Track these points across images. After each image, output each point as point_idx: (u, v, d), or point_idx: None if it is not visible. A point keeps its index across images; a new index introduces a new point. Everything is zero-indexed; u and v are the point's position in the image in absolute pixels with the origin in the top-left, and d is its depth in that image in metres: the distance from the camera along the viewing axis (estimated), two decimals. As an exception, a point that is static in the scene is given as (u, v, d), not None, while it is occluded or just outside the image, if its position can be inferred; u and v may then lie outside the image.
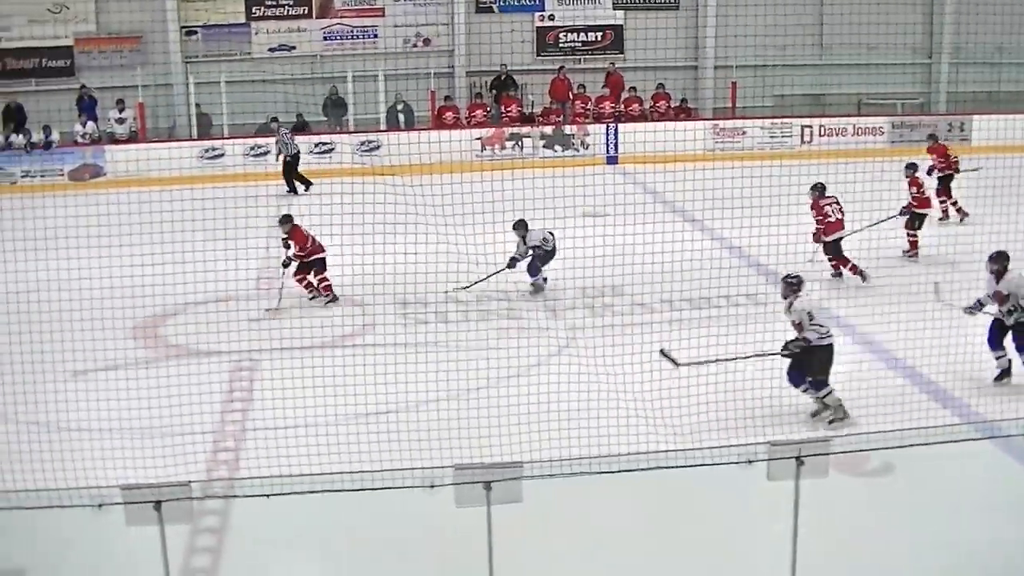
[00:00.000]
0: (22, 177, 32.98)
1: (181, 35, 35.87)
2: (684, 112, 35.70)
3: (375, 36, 36.64)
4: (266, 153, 33.02)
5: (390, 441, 12.72)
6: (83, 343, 15.66)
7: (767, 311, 18.37)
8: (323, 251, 19.78)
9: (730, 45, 33.14)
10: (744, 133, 34.17)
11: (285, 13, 36.41)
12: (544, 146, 34.05)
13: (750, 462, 9.15)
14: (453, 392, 14.67)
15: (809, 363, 14.47)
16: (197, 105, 34.88)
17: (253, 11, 36.29)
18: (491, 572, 9.13)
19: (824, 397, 14.52)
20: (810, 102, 36.10)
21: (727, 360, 14.59)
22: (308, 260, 19.92)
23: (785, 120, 34.71)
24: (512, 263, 20.07)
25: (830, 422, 14.40)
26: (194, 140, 34.05)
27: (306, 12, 36.47)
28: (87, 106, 34.57)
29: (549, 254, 20.36)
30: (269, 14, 36.37)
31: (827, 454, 9.07)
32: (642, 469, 9.77)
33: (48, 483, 11.24)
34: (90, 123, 34.11)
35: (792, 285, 14.82)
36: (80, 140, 33.92)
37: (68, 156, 33.38)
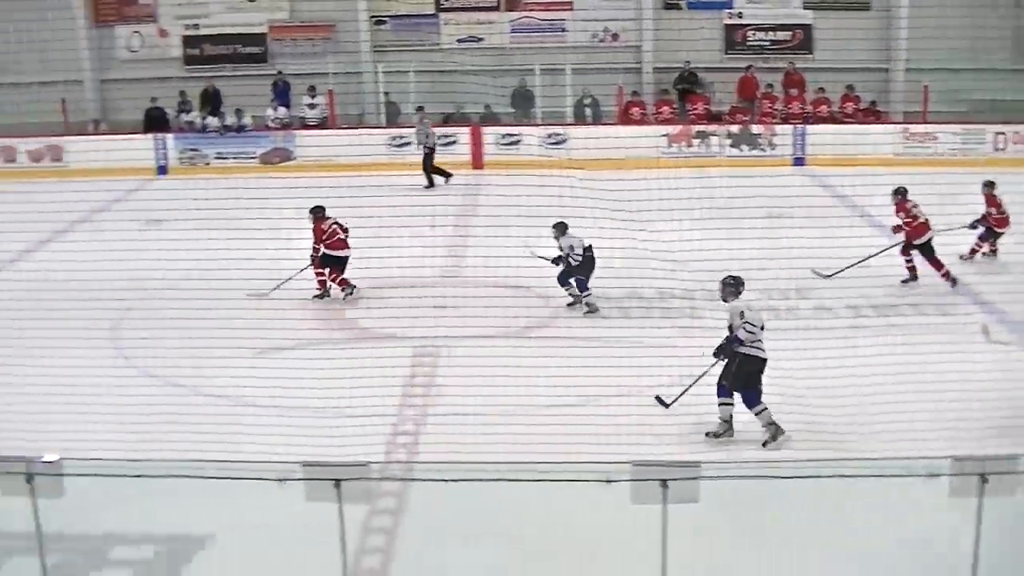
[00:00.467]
0: (215, 159, 33.71)
1: (371, 24, 36.28)
2: (873, 115, 35.05)
3: (563, 30, 36.64)
4: (454, 142, 33.28)
5: (568, 434, 12.75)
6: (271, 322, 16.01)
7: (953, 321, 18.10)
8: (346, 250, 19.34)
9: (922, 48, 32.50)
10: (935, 138, 33.47)
11: (474, 5, 36.63)
12: (731, 145, 33.71)
13: (933, 476, 9.03)
14: (633, 388, 14.62)
15: (736, 372, 14.03)
16: (386, 94, 35.24)
17: (442, 2, 36.54)
18: (664, 571, 9.11)
19: (757, 414, 13.88)
20: (1005, 108, 35.21)
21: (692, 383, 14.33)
22: (330, 256, 19.39)
23: (977, 126, 33.90)
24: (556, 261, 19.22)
25: (764, 444, 13.72)
26: (382, 128, 34.41)
27: (495, 5, 36.63)
28: (281, 91, 35.21)
29: (584, 265, 18.98)
30: (458, 5, 36.59)
31: (1016, 473, 8.89)
32: (813, 477, 9.67)
33: (234, 456, 11.49)
34: (282, 108, 34.70)
35: (729, 286, 14.65)
36: (271, 124, 34.53)
37: (260, 140, 34.01)
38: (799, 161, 32.26)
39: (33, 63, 33.69)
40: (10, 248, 19.63)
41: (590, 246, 18.76)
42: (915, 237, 19.92)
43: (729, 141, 33.47)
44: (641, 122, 34.06)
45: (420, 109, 32.18)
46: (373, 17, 36.23)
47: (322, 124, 34.64)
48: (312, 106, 34.71)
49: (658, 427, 13.20)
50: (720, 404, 14.04)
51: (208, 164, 33.23)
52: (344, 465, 8.98)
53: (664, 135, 33.19)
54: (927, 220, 19.84)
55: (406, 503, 11.87)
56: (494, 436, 12.53)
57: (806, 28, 36.48)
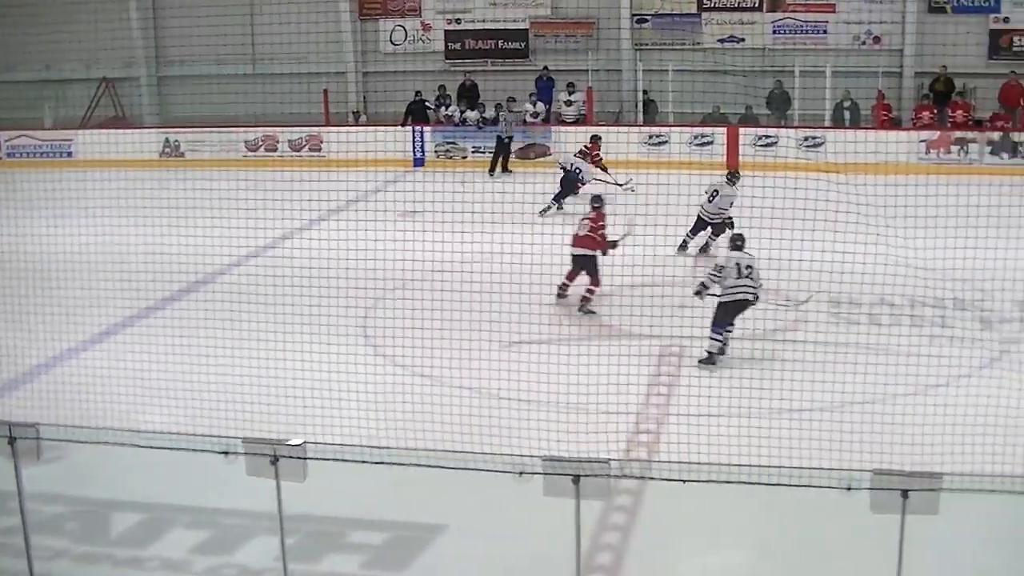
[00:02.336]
0: (473, 152, 34.21)
1: (632, 22, 36.36)
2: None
3: (824, 32, 36.19)
4: (710, 143, 33.20)
5: (810, 439, 12.60)
6: (519, 316, 16.17)
7: None
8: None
9: None
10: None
11: (736, 5, 36.41)
12: (990, 152, 32.86)
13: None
14: (879, 395, 14.40)
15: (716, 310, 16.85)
16: (644, 92, 35.33)
17: (704, 2, 36.46)
18: (899, 580, 8.96)
19: (710, 337, 16.69)
20: None
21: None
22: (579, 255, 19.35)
23: None
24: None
25: (700, 361, 16.59)
26: (640, 126, 34.47)
27: (757, 5, 36.37)
28: (544, 87, 35.59)
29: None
30: (720, 5, 36.44)
31: None
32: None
33: (474, 447, 11.66)
34: (540, 103, 35.03)
35: (731, 241, 17.73)
36: (529, 119, 34.88)
37: (518, 135, 34.35)
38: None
39: (298, 55, 34.60)
40: (268, 235, 20.17)
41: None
42: None
43: (989, 148, 32.57)
44: (886, 126, 33.37)
45: (511, 100, 32.62)
46: (635, 15, 36.34)
47: (579, 121, 34.83)
48: (570, 103, 35.00)
49: (905, 436, 12.94)
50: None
51: (465, 158, 33.74)
52: (583, 461, 9.01)
53: (923, 141, 32.50)
54: None
55: (642, 501, 11.89)
56: (736, 438, 12.46)
57: (1075, 34, 35.32)
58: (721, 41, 36.40)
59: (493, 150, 33.01)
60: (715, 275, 17.07)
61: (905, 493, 8.49)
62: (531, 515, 10.22)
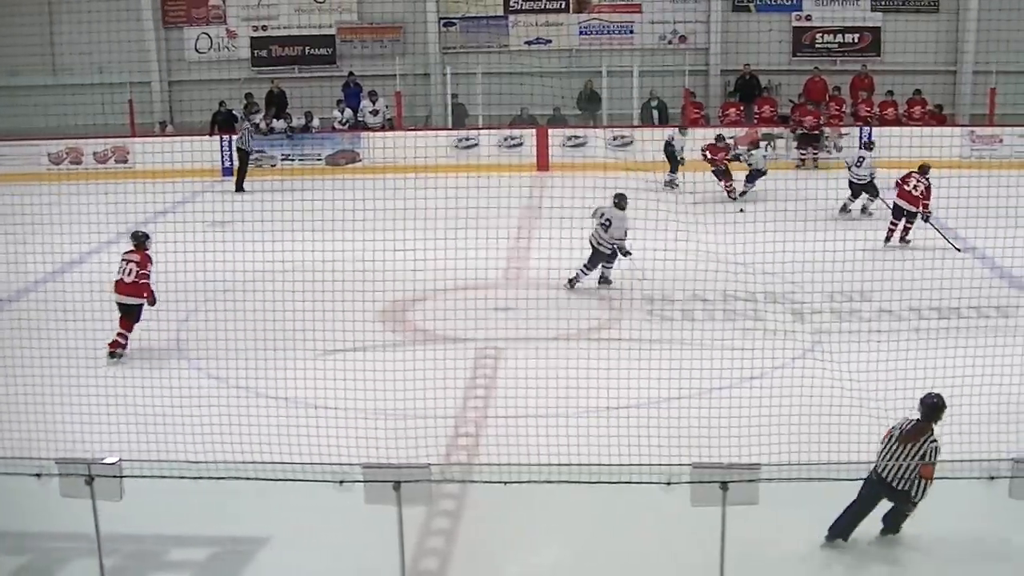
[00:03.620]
0: (282, 161, 33.89)
1: (440, 26, 36.38)
2: (938, 118, 34.83)
3: (631, 32, 36.59)
4: (520, 144, 33.38)
5: (628, 436, 12.71)
6: (333, 324, 16.05)
7: (1016, 324, 17.96)
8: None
9: (991, 50, 32.20)
10: (1001, 141, 33.15)
11: (543, 7, 36.63)
12: (797, 147, 33.57)
13: (992, 478, 8.94)
14: (694, 391, 14.56)
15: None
16: (453, 95, 35.34)
17: (511, 4, 36.60)
18: (722, 572, 9.08)
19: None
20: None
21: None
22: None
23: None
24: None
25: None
26: (449, 130, 34.50)
27: (563, 6, 36.61)
28: (352, 93, 35.38)
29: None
30: (527, 7, 36.63)
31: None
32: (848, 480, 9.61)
33: (293, 457, 11.56)
34: (348, 110, 34.86)
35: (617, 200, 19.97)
36: (338, 126, 34.70)
37: (327, 141, 34.18)
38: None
39: (101, 64, 33.89)
40: (74, 250, 19.75)
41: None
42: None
43: (795, 143, 33.28)
44: (697, 124, 33.90)
45: (248, 107, 34.02)
46: (442, 19, 36.37)
47: (386, 127, 34.72)
48: (375, 112, 34.81)
49: (720, 429, 13.14)
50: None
51: (274, 166, 33.39)
52: (403, 467, 8.98)
53: (731, 138, 33.07)
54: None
55: (465, 505, 11.89)
56: (555, 438, 12.51)
57: (874, 31, 36.30)
58: (528, 43, 36.57)
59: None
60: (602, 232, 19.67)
61: (724, 485, 8.60)
62: (354, 523, 10.15)
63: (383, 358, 15.68)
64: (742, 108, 35.13)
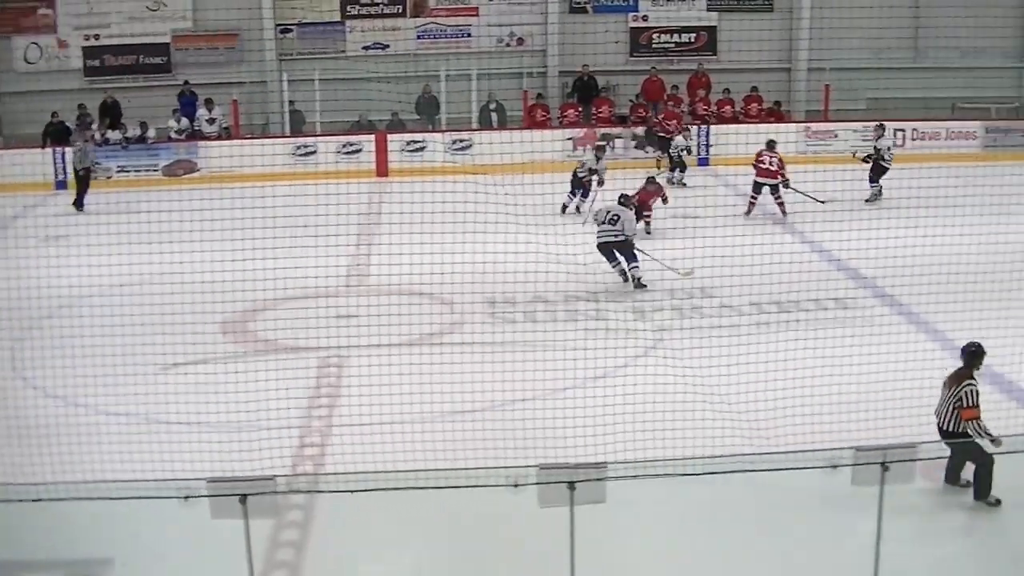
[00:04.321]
0: (118, 172, 33.31)
1: (276, 33, 36.06)
2: (775, 115, 35.44)
3: (469, 35, 36.64)
4: (359, 150, 33.25)
5: (475, 440, 12.75)
6: (174, 337, 15.86)
7: (856, 315, 18.33)
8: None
9: (824, 48, 32.85)
10: (836, 136, 33.82)
11: (380, 12, 36.50)
12: (635, 147, 33.90)
13: (835, 467, 9.09)
14: (539, 392, 14.62)
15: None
16: (291, 102, 35.07)
17: (348, 9, 36.39)
18: (572, 572, 9.12)
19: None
20: (903, 106, 35.64)
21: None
22: None
23: (878, 124, 34.37)
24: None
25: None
26: (287, 137, 34.24)
27: (400, 11, 36.51)
28: (187, 102, 34.90)
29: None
30: (364, 13, 36.46)
31: (913, 460, 8.99)
32: (726, 472, 9.72)
33: (136, 474, 11.39)
34: (184, 119, 34.39)
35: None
36: (174, 136, 34.22)
37: (163, 152, 33.68)
38: (703, 161, 32.47)
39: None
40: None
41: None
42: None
43: (634, 143, 33.60)
44: (546, 126, 34.09)
45: (80, 122, 33.24)
46: (279, 25, 36.02)
47: (223, 136, 34.29)
48: (211, 120, 34.40)
49: (566, 430, 13.20)
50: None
51: (110, 178, 32.77)
52: (249, 480, 8.89)
53: (569, 139, 33.29)
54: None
55: (314, 515, 11.81)
56: (401, 444, 12.50)
57: (710, 30, 36.77)
58: (366, 48, 36.42)
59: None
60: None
61: (572, 485, 8.65)
62: (201, 539, 10.03)
63: (225, 370, 15.50)
64: (580, 109, 35.35)
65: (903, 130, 33.79)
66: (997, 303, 16.15)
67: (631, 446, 12.35)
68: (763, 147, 25.78)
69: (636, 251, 20.39)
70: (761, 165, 25.83)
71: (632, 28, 36.80)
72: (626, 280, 20.43)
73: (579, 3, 36.62)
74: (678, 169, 30.41)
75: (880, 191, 27.11)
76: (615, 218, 20.60)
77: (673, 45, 37.05)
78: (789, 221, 24.17)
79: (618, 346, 16.63)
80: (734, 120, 34.37)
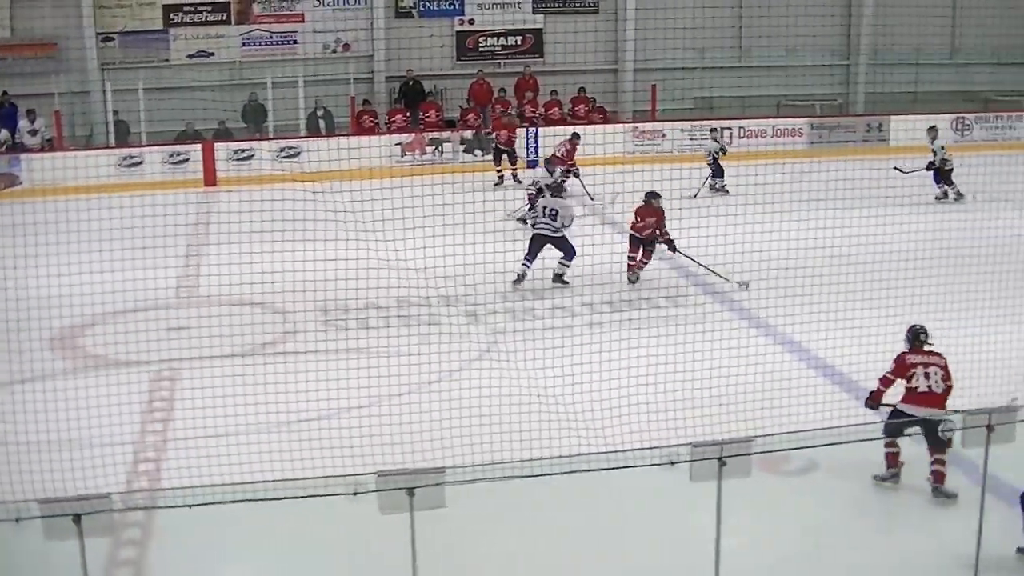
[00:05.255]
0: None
1: (98, 42, 35.47)
2: (603, 115, 35.83)
3: (294, 42, 36.46)
4: (186, 160, 32.86)
5: (312, 449, 12.68)
6: (0, 354, 15.52)
7: (687, 312, 18.59)
8: None
9: (650, 48, 33.21)
10: (664, 136, 34.30)
11: (203, 19, 36.13)
12: (464, 151, 34.02)
13: (672, 463, 9.20)
14: (375, 399, 14.58)
15: None
16: (115, 112, 34.51)
17: (171, 17, 35.97)
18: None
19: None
20: (730, 104, 36.32)
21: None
22: None
23: (704, 122, 34.93)
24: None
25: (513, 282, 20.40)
26: (112, 148, 33.70)
27: (225, 18, 36.20)
28: (7, 113, 34.10)
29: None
30: (187, 20, 36.07)
31: (749, 454, 9.14)
32: (565, 473, 9.78)
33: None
34: (3, 131, 33.62)
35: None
36: (-6, 149, 33.48)
37: (-18, 166, 32.94)
38: (533, 163, 32.63)
39: None
40: None
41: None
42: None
43: (463, 147, 33.72)
44: (374, 131, 34.04)
45: None
46: (100, 34, 35.44)
47: (47, 147, 33.61)
48: (33, 132, 33.69)
49: (403, 436, 13.20)
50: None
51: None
52: (83, 499, 8.73)
53: (398, 144, 33.28)
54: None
55: (152, 532, 11.66)
56: (238, 456, 12.38)
57: (537, 32, 37.08)
58: (191, 56, 36.05)
59: None
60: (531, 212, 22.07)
61: (411, 491, 8.65)
62: (34, 560, 9.85)
63: (55, 387, 15.23)
64: (408, 114, 35.37)
65: (730, 128, 34.43)
66: (827, 296, 16.49)
67: (469, 450, 12.39)
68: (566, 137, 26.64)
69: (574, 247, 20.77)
70: (558, 155, 26.66)
71: (458, 32, 36.95)
72: (516, 282, 20.69)
73: (404, 8, 36.69)
74: (715, 176, 30.03)
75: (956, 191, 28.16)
76: (553, 212, 21.07)
77: (500, 48, 37.29)
78: (620, 221, 24.31)
79: (452, 350, 16.67)
80: (562, 121, 34.65)
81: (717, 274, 20.04)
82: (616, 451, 11.03)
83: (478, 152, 33.74)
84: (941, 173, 28.46)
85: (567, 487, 10.07)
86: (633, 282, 20.56)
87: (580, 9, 37.27)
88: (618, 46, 37.26)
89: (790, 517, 12.26)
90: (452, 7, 36.92)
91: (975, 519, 10.15)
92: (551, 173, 25.32)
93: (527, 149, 33.50)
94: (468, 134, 34.38)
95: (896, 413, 12.53)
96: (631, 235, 21.02)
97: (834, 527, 12.15)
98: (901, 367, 12.64)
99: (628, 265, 20.87)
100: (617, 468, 9.77)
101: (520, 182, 29.92)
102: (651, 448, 10.53)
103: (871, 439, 11.05)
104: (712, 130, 30.93)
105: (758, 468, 9.53)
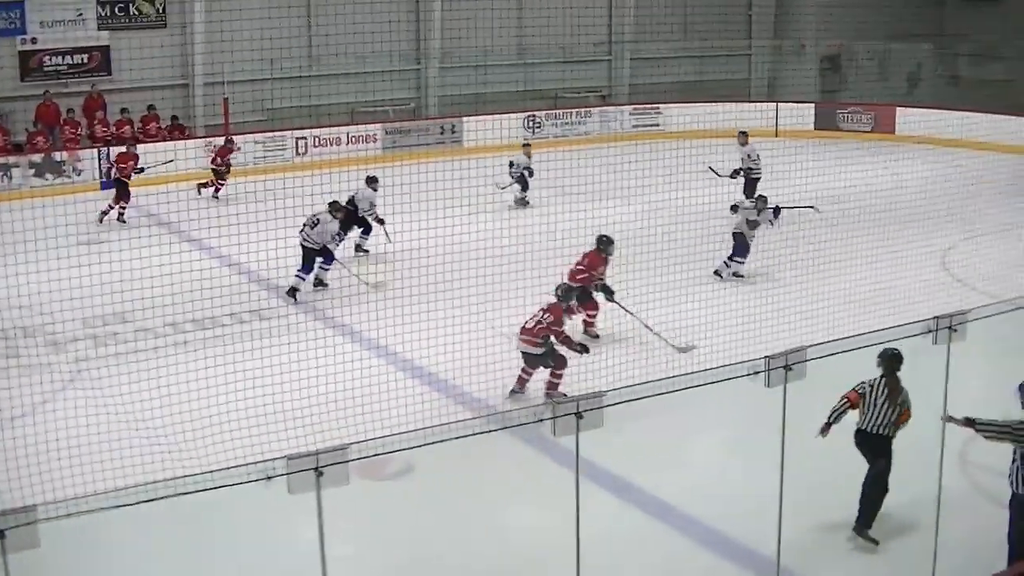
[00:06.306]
0: None
1: None
2: (179, 131, 35.35)
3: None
4: None
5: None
6: None
7: (272, 325, 18.58)
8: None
9: (219, 61, 32.91)
10: (240, 149, 34.02)
11: None
12: (34, 175, 32.82)
13: (269, 478, 9.13)
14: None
15: None
16: None
17: None
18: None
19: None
20: (304, 114, 36.35)
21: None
22: None
23: (279, 133, 34.95)
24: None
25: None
26: None
27: None
28: None
29: None
30: None
31: (346, 462, 9.15)
32: (161, 498, 9.59)
33: None
34: None
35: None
36: None
37: None
38: (107, 184, 31.76)
39: None
40: None
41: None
42: None
43: (32, 171, 32.57)
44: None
45: None
46: None
47: None
48: None
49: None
50: None
51: None
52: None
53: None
54: None
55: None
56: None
57: (103, 49, 36.12)
58: None
59: None
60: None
61: (2, 534, 8.26)
62: None
63: None
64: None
65: (304, 138, 34.56)
66: (407, 298, 16.78)
67: (60, 484, 12.07)
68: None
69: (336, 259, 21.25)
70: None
71: (21, 51, 35.57)
72: (290, 294, 20.83)
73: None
74: (521, 188, 29.68)
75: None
76: (315, 222, 20.97)
77: (66, 67, 36.18)
78: (198, 238, 23.87)
79: (34, 382, 16.11)
80: (134, 139, 33.93)
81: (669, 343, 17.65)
82: (210, 471, 10.91)
83: (49, 176, 32.67)
84: (747, 182, 27.60)
85: (163, 513, 9.86)
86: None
87: (146, 24, 36.57)
88: (187, 60, 36.80)
89: (394, 521, 12.41)
90: (14, 27, 35.59)
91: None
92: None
93: (100, 171, 32.63)
94: (37, 157, 33.25)
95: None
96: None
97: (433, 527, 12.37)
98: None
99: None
100: (214, 488, 9.65)
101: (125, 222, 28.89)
102: (247, 464, 10.46)
103: (466, 435, 11.25)
104: (525, 145, 30.56)
105: (357, 475, 9.56)
